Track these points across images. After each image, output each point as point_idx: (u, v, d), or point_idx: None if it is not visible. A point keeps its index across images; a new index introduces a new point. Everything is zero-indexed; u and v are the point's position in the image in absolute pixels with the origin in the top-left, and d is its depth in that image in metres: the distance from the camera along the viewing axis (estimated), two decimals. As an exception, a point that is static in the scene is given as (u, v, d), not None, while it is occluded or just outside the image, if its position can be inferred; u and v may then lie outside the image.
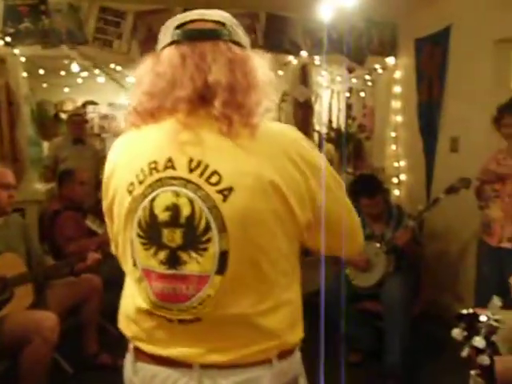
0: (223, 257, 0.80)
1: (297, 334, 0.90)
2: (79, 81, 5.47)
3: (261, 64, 0.88)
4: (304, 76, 3.87)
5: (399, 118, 4.05)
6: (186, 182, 0.81)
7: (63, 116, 5.68)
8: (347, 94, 5.05)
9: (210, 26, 0.87)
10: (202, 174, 0.80)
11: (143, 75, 0.88)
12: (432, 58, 3.59)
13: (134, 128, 0.88)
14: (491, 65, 3.07)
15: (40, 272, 2.39)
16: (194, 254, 0.81)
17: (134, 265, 0.87)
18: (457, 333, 0.91)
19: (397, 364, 2.50)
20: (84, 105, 6.27)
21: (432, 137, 3.62)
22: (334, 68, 4.81)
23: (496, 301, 0.92)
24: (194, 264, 0.81)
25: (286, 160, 0.82)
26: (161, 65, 0.86)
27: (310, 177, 0.85)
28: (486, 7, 3.03)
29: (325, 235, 0.88)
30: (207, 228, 0.80)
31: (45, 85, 5.51)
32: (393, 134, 4.10)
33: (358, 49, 3.88)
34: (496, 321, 0.87)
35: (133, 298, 0.90)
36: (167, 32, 0.89)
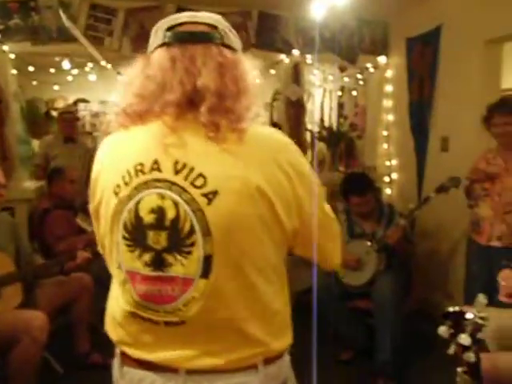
0: (207, 261, 0.80)
1: (284, 341, 0.90)
2: (70, 78, 5.43)
3: (252, 68, 0.88)
4: (296, 75, 3.87)
5: (391, 117, 4.07)
6: (171, 185, 0.80)
7: (54, 114, 5.63)
8: (339, 93, 5.07)
9: (201, 28, 0.87)
10: (187, 177, 0.80)
11: (133, 77, 0.87)
12: (423, 58, 3.61)
13: (122, 129, 0.88)
14: (481, 64, 3.09)
15: (29, 271, 2.37)
16: (178, 257, 0.81)
17: (119, 267, 0.87)
18: (443, 330, 0.91)
19: (388, 362, 2.51)
20: (75, 102, 6.22)
21: (423, 136, 3.64)
22: (327, 67, 4.82)
23: (481, 299, 0.93)
24: (178, 266, 0.81)
25: (275, 166, 0.82)
26: (151, 67, 0.85)
27: (298, 184, 0.85)
28: (477, 7, 3.05)
29: (311, 244, 0.88)
30: (191, 231, 0.80)
31: (35, 82, 5.46)
32: (384, 133, 4.12)
33: (350, 48, 3.89)
34: (481, 318, 0.88)
35: (117, 300, 0.89)
36: (158, 33, 0.88)
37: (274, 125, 5.04)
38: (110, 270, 0.93)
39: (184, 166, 0.80)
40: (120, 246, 0.85)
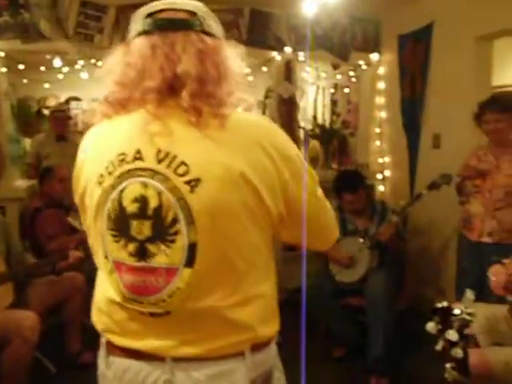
0: (192, 249, 0.80)
1: (272, 328, 0.90)
2: (60, 76, 5.38)
3: (233, 54, 0.88)
4: (288, 72, 3.86)
5: (383, 114, 4.07)
6: (154, 173, 0.80)
7: (46, 112, 5.59)
8: (332, 91, 5.06)
9: (181, 15, 0.87)
10: (169, 165, 0.79)
11: (114, 65, 0.87)
12: (414, 55, 3.61)
13: (105, 119, 0.88)
14: (472, 61, 3.10)
15: (20, 270, 2.35)
16: (162, 247, 0.81)
17: (106, 257, 0.86)
18: (431, 326, 0.92)
19: (380, 359, 2.52)
20: (67, 101, 6.18)
21: (415, 133, 3.65)
22: (319, 64, 4.81)
23: (469, 294, 0.93)
24: (162, 256, 0.81)
25: (259, 151, 0.82)
26: (131, 55, 0.85)
27: (284, 168, 0.84)
28: (467, 5, 3.06)
29: (300, 228, 0.87)
30: (175, 220, 0.79)
31: (25, 80, 5.41)
32: (377, 130, 4.12)
33: (342, 45, 3.89)
34: (469, 314, 0.88)
35: (104, 289, 0.89)
36: (138, 21, 0.88)
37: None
38: (94, 260, 0.92)
39: (167, 154, 0.80)
40: (105, 236, 0.85)
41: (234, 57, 0.88)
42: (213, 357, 0.83)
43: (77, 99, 6.29)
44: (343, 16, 3.77)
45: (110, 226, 0.84)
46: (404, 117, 3.78)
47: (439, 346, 0.91)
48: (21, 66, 4.46)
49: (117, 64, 0.87)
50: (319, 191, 0.96)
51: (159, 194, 0.80)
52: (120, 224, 0.83)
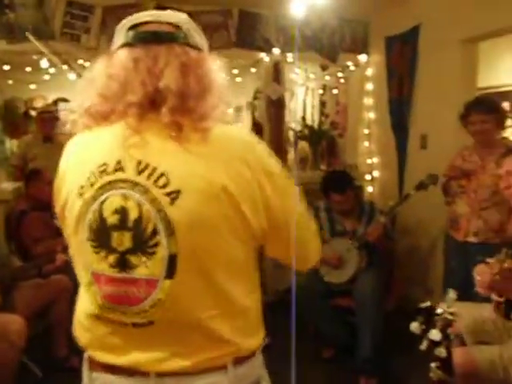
0: (172, 261, 0.79)
1: (255, 340, 0.89)
2: (47, 77, 5.32)
3: (218, 67, 0.88)
4: (276, 73, 3.86)
5: (372, 115, 4.09)
6: (134, 185, 0.80)
7: (33, 113, 5.53)
8: (320, 92, 5.08)
9: (164, 28, 0.86)
10: (149, 177, 0.79)
11: (96, 76, 0.86)
12: (402, 56, 3.64)
13: (86, 130, 0.87)
14: (459, 63, 3.14)
15: (6, 273, 2.33)
16: (143, 258, 0.80)
17: (84, 269, 0.86)
18: (415, 326, 0.92)
19: (369, 359, 2.53)
20: (55, 102, 6.11)
21: (403, 134, 3.68)
22: (308, 65, 4.83)
23: (451, 294, 0.94)
24: (142, 268, 0.80)
25: (241, 165, 0.81)
26: (114, 67, 0.85)
27: (266, 184, 0.84)
28: (454, 7, 3.09)
29: (283, 244, 0.87)
30: (155, 231, 0.79)
31: (10, 81, 5.35)
32: (365, 131, 4.14)
33: (331, 46, 3.91)
34: (451, 314, 0.89)
35: (83, 304, 0.88)
36: (121, 32, 0.87)
37: (256, 124, 5.05)
38: (76, 272, 0.91)
39: (147, 166, 0.80)
40: (86, 247, 0.84)
41: (218, 69, 0.87)
42: (196, 371, 0.82)
43: (65, 100, 6.23)
44: (332, 17, 3.79)
45: (91, 237, 0.83)
46: (392, 118, 3.81)
47: (423, 346, 0.92)
48: (6, 67, 4.41)
49: (99, 76, 0.86)
50: (303, 207, 0.94)
51: (139, 205, 0.79)
52: (100, 235, 0.82)
